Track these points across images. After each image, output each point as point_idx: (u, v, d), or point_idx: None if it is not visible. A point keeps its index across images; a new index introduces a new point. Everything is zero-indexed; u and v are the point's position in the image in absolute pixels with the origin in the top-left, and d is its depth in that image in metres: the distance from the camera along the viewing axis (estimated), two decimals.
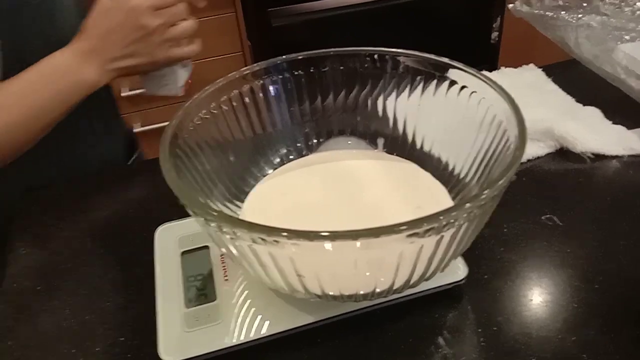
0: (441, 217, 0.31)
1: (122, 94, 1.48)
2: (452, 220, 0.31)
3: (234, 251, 0.34)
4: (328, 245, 0.30)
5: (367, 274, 0.34)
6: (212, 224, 0.32)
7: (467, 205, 0.31)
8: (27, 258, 0.51)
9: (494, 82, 0.43)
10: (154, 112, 1.55)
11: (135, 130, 1.54)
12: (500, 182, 0.33)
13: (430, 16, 1.71)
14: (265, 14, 1.52)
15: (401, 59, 0.48)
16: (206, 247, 0.46)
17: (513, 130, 0.39)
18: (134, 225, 0.54)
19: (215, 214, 0.31)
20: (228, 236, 0.32)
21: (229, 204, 0.45)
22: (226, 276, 0.44)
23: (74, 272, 0.49)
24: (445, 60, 0.46)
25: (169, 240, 0.47)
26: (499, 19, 1.86)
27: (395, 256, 0.32)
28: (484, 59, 1.88)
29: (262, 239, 0.30)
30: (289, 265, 0.32)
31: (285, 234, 0.29)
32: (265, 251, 0.32)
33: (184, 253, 0.46)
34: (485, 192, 0.32)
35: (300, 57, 0.48)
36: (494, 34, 1.90)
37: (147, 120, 1.55)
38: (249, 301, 0.42)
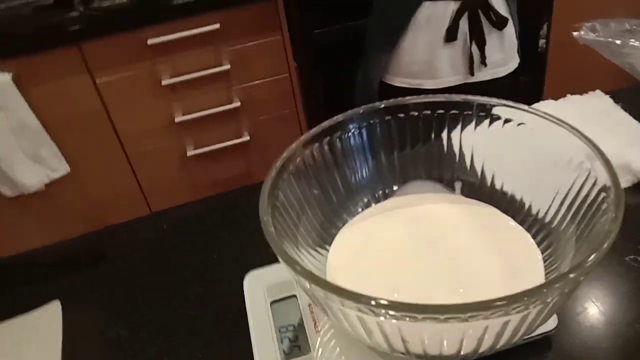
0: (545, 290, 0.31)
1: (177, 120, 1.53)
2: (559, 290, 0.31)
3: (340, 317, 0.35)
4: (438, 317, 0.31)
5: (471, 337, 0.35)
6: (319, 292, 0.33)
7: (572, 275, 0.32)
8: (112, 304, 0.54)
9: (572, 127, 0.43)
10: (205, 134, 1.60)
11: (189, 153, 1.59)
12: (605, 246, 0.33)
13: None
14: (312, 35, 1.54)
15: (474, 103, 0.49)
16: (294, 296, 0.48)
17: (601, 173, 0.39)
18: (221, 270, 0.56)
19: (330, 286, 0.32)
20: (335, 305, 0.33)
21: (314, 252, 0.47)
22: (316, 327, 0.45)
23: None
24: (520, 105, 0.47)
25: (258, 289, 0.49)
26: (545, 26, 1.83)
27: (501, 323, 0.33)
28: (532, 67, 1.85)
29: (371, 310, 0.31)
30: (396, 332, 0.33)
31: (393, 307, 0.30)
32: (373, 321, 0.33)
33: (273, 303, 0.48)
34: (591, 258, 0.32)
35: (381, 107, 0.49)
36: (541, 42, 1.87)
37: (199, 143, 1.60)
38: (341, 353, 0.43)
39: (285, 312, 0.47)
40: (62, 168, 1.46)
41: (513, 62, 1.05)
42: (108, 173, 1.56)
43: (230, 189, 0.70)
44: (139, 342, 0.50)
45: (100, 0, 1.47)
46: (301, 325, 0.45)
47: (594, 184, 0.40)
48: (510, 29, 1.01)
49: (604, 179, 0.38)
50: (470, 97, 0.49)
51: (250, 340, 0.45)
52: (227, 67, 1.51)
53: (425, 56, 1.00)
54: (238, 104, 1.56)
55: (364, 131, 0.50)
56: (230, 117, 1.59)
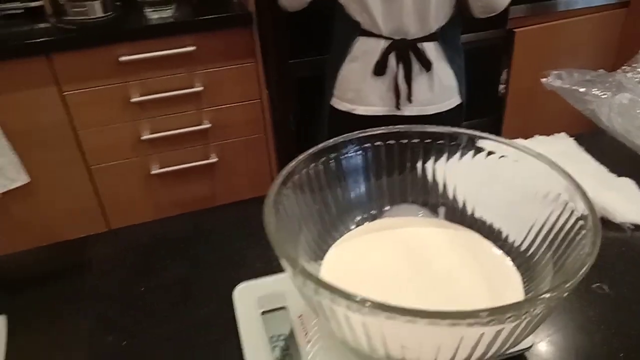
0: (526, 306, 0.34)
1: (142, 137, 1.52)
2: (533, 310, 0.34)
3: (329, 314, 0.37)
4: (418, 321, 0.33)
5: (447, 347, 0.37)
6: (312, 287, 0.35)
7: (547, 296, 0.34)
8: (105, 317, 0.53)
9: (552, 162, 0.47)
10: (172, 154, 1.59)
11: (153, 172, 1.57)
12: (580, 275, 0.36)
13: None
14: (286, 65, 1.58)
15: (462, 135, 0.53)
16: (284, 307, 0.49)
17: (580, 208, 0.43)
18: (208, 283, 0.56)
19: (317, 280, 0.34)
20: (325, 301, 0.35)
21: (307, 265, 0.48)
22: (307, 336, 0.46)
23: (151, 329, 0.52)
24: (503, 139, 0.51)
25: (248, 300, 0.50)
26: (505, 72, 1.94)
27: (477, 335, 0.35)
28: (491, 110, 1.96)
29: (359, 309, 0.33)
30: (378, 333, 0.35)
31: (378, 306, 0.32)
32: (359, 319, 0.35)
33: (263, 313, 0.49)
34: (567, 286, 0.35)
35: (380, 132, 0.52)
36: (501, 87, 1.98)
37: (165, 162, 1.59)
38: None
39: (276, 323, 0.48)
40: (20, 179, 1.41)
41: (445, 104, 1.12)
42: (68, 186, 1.51)
43: (191, 210, 0.70)
44: (130, 351, 0.49)
45: (74, 15, 1.46)
46: (292, 335, 0.47)
47: (570, 215, 0.43)
48: (441, 73, 1.08)
49: (582, 210, 0.42)
50: (457, 130, 0.52)
51: (241, 351, 0.46)
52: (199, 88, 1.52)
53: (357, 85, 1.11)
54: (208, 125, 1.57)
55: (359, 154, 0.53)
56: (199, 138, 1.59)
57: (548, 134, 0.79)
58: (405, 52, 1.06)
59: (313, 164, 0.49)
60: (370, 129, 0.52)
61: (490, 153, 0.52)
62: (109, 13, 1.51)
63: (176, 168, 1.58)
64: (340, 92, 1.14)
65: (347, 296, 0.34)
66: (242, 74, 1.57)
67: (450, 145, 0.54)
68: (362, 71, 1.09)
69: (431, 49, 1.07)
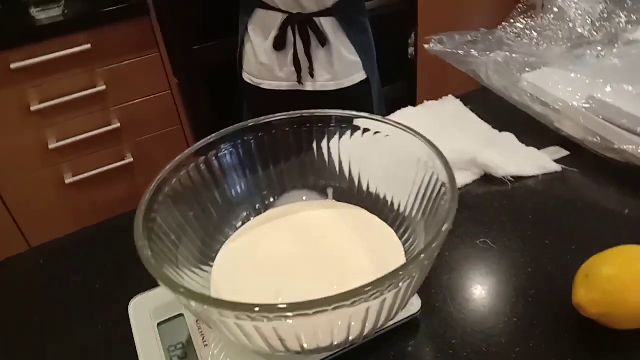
0: (400, 273, 0.36)
1: (50, 147, 1.45)
2: (408, 275, 0.36)
3: (221, 326, 0.37)
4: (307, 313, 0.34)
5: (340, 328, 0.38)
6: (198, 306, 0.35)
7: (421, 257, 0.36)
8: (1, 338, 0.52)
9: (417, 132, 0.49)
10: (85, 160, 1.53)
11: (67, 181, 1.51)
12: (443, 230, 0.38)
13: None
14: (191, 52, 1.54)
15: (333, 117, 0.54)
16: (181, 315, 0.49)
17: (441, 171, 0.45)
18: (106, 298, 0.55)
19: (201, 297, 0.34)
20: (214, 316, 0.35)
21: (197, 270, 0.48)
22: (205, 341, 0.47)
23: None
24: (375, 117, 0.52)
25: (144, 313, 0.49)
26: (413, 35, 1.98)
27: (364, 310, 0.37)
28: (404, 74, 2.00)
29: (247, 317, 0.34)
30: (272, 334, 0.36)
31: (266, 309, 0.33)
32: (250, 325, 0.35)
33: (160, 324, 0.48)
34: (434, 243, 0.37)
35: (250, 125, 0.52)
36: (411, 50, 2.02)
37: (78, 169, 1.52)
38: None
39: (173, 332, 0.48)
40: None
41: (347, 79, 1.13)
42: None
43: (115, 214, 0.69)
44: None
45: None
46: (189, 342, 0.47)
47: (437, 180, 0.46)
48: (341, 48, 1.09)
49: (443, 176, 0.44)
50: (331, 112, 0.53)
51: None
52: (102, 87, 1.46)
53: (260, 59, 1.11)
54: (118, 124, 1.51)
55: (239, 148, 0.53)
56: (110, 139, 1.54)
57: (462, 92, 0.82)
58: (302, 26, 1.05)
59: (186, 169, 0.48)
60: (237, 125, 0.51)
61: (366, 130, 0.53)
62: None
63: (91, 174, 1.53)
64: (247, 66, 1.15)
65: (234, 306, 0.34)
66: (146, 66, 1.52)
67: (328, 127, 0.55)
68: (262, 45, 1.09)
69: (328, 24, 1.07)
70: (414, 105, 0.80)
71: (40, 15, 1.40)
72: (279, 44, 1.07)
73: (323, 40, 1.06)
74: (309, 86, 1.11)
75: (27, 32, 1.36)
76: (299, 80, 1.10)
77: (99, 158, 1.54)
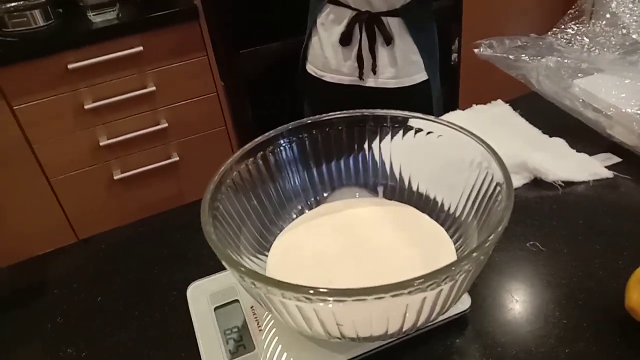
0: (454, 268, 0.37)
1: (101, 144, 1.51)
2: (464, 269, 0.37)
3: (281, 309, 0.39)
4: (365, 299, 0.35)
5: (395, 317, 0.40)
6: (262, 287, 0.37)
7: (477, 252, 0.37)
8: (65, 326, 0.55)
9: (472, 133, 0.49)
10: (133, 157, 1.58)
11: (116, 177, 1.56)
12: (500, 229, 0.39)
13: None
14: (238, 56, 1.58)
15: (388, 117, 0.55)
16: (236, 300, 0.51)
17: (496, 171, 0.46)
18: (163, 284, 0.58)
19: (265, 279, 0.36)
20: (276, 297, 0.37)
21: (254, 258, 0.50)
22: (259, 326, 0.49)
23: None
24: (428, 117, 0.53)
25: (201, 298, 0.52)
26: (456, 41, 1.97)
27: (419, 301, 0.38)
28: (447, 79, 1.99)
29: (308, 298, 0.35)
30: (331, 318, 0.38)
31: (326, 293, 0.35)
32: (310, 308, 0.37)
33: (216, 308, 0.51)
34: (490, 239, 0.38)
35: (306, 122, 0.54)
36: (454, 56, 2.01)
37: (126, 166, 1.58)
38: (283, 347, 0.47)
39: (229, 316, 0.50)
40: None
41: (408, 79, 1.14)
42: (32, 203, 1.50)
43: (160, 212, 0.72)
44: None
45: (14, 26, 1.43)
46: (245, 326, 0.49)
47: (491, 180, 0.46)
48: (404, 48, 1.10)
49: (498, 175, 0.45)
50: (384, 112, 0.54)
51: (198, 347, 0.48)
52: (152, 88, 1.51)
53: (325, 52, 1.13)
54: (165, 124, 1.56)
55: (294, 145, 0.55)
56: (158, 139, 1.59)
57: (505, 99, 0.82)
58: (369, 24, 1.08)
59: (245, 162, 0.50)
60: (298, 121, 0.53)
61: (418, 130, 0.54)
62: (51, 21, 1.48)
63: (138, 171, 1.58)
64: (312, 58, 1.18)
65: (295, 288, 0.36)
66: (194, 69, 1.57)
67: (382, 127, 0.56)
68: (329, 39, 1.12)
69: (394, 24, 1.09)
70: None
71: (97, 18, 1.47)
72: (345, 40, 1.10)
73: (388, 39, 1.08)
74: (370, 82, 1.13)
75: (83, 34, 1.43)
76: (361, 76, 1.12)
77: (146, 156, 1.59)
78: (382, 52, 1.10)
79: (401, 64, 1.12)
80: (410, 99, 1.15)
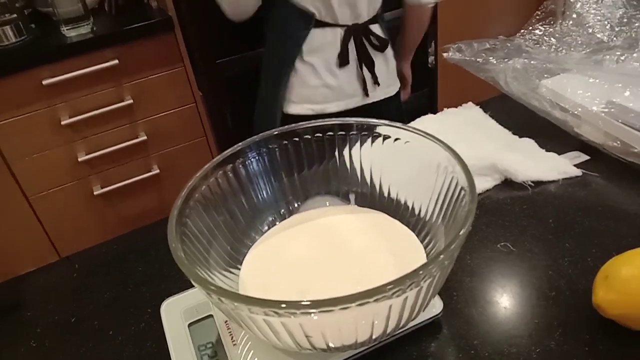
0: (420, 272, 0.37)
1: (80, 159, 1.50)
2: (429, 274, 0.38)
3: (250, 323, 0.39)
4: (332, 309, 0.35)
5: (364, 325, 0.40)
6: (229, 303, 0.37)
7: (441, 257, 0.38)
8: (39, 349, 0.54)
9: (436, 138, 0.50)
10: (113, 171, 1.57)
11: (96, 192, 1.55)
12: (462, 232, 0.39)
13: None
14: (215, 65, 1.58)
15: (354, 124, 0.56)
16: (210, 315, 0.51)
17: (460, 175, 0.46)
18: (139, 301, 0.58)
19: (232, 295, 0.36)
20: (244, 313, 0.37)
21: (226, 273, 0.50)
22: (233, 340, 0.49)
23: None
24: (395, 124, 0.54)
25: (175, 314, 0.52)
26: (432, 44, 1.99)
27: (386, 308, 0.38)
28: (425, 82, 2.01)
29: (275, 312, 0.36)
30: (299, 330, 0.38)
31: (293, 306, 0.35)
32: (278, 321, 0.37)
33: (190, 324, 0.50)
34: (454, 244, 0.38)
35: (275, 133, 0.54)
36: (430, 58, 2.03)
37: (106, 181, 1.57)
38: None
39: (203, 332, 0.50)
40: None
41: (397, 83, 1.15)
42: (10, 221, 1.48)
43: (142, 225, 0.72)
44: None
45: None
46: (219, 341, 0.49)
47: (456, 184, 0.47)
48: (389, 53, 1.11)
49: (462, 180, 0.46)
50: (351, 120, 0.55)
51: None
52: (129, 101, 1.50)
53: (325, 81, 1.06)
54: (145, 137, 1.55)
55: (264, 156, 0.55)
56: (137, 152, 1.58)
57: (483, 100, 0.83)
58: (359, 37, 1.04)
59: (214, 176, 0.51)
60: (266, 132, 0.54)
61: (386, 137, 0.55)
62: (24, 37, 1.47)
63: (119, 185, 1.57)
64: (302, 95, 1.07)
65: (262, 303, 0.36)
66: (172, 80, 1.56)
67: (350, 135, 0.56)
68: (325, 65, 1.05)
69: (378, 31, 1.08)
70: (435, 113, 0.81)
71: (71, 32, 1.46)
72: (344, 60, 1.04)
73: (382, 46, 1.06)
74: (374, 97, 1.10)
75: (58, 49, 1.42)
76: (366, 93, 1.08)
77: (126, 170, 1.58)
78: (377, 62, 1.08)
79: (392, 69, 1.12)
80: (399, 103, 1.15)
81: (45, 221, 1.54)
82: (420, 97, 2.02)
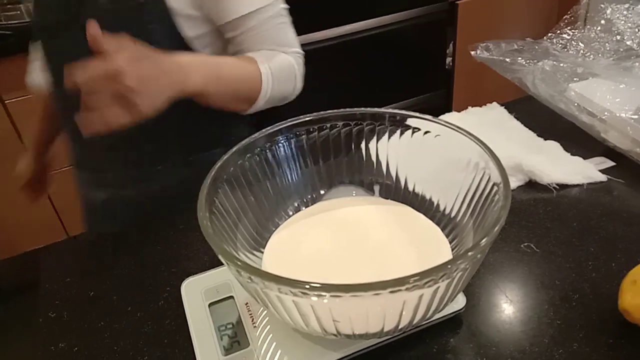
0: (452, 265, 0.37)
1: None
2: (460, 267, 0.37)
3: (278, 304, 0.39)
4: (362, 295, 0.35)
5: (392, 314, 0.40)
6: (258, 282, 0.37)
7: (471, 253, 0.37)
8: (57, 321, 0.54)
9: (470, 133, 0.50)
10: None
11: None
12: (497, 228, 0.39)
13: (391, 46, 1.80)
14: None
15: (386, 115, 0.55)
16: (231, 296, 0.51)
17: (493, 171, 0.46)
18: (158, 280, 0.57)
19: (263, 273, 0.36)
20: (273, 292, 0.37)
21: (250, 254, 0.50)
22: (254, 322, 0.48)
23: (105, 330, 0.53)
24: (425, 116, 0.53)
25: (195, 294, 0.51)
26: (451, 45, 1.98)
27: (416, 297, 0.38)
28: (441, 83, 2.00)
29: (304, 293, 0.35)
30: (328, 314, 0.37)
31: (323, 288, 0.35)
32: (307, 303, 0.37)
33: (211, 304, 0.50)
34: (484, 240, 0.38)
35: (305, 119, 0.54)
36: (448, 59, 2.02)
37: None
38: (277, 343, 0.47)
39: (223, 312, 0.50)
40: None
41: None
42: (21, 198, 1.48)
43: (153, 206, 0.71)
44: (84, 355, 0.50)
45: (7, 19, 1.42)
46: (239, 322, 0.48)
47: (488, 180, 0.47)
48: None
49: (495, 175, 0.45)
50: (382, 110, 0.55)
51: (192, 343, 0.48)
52: None
53: None
54: None
55: (292, 142, 0.55)
56: None
57: (498, 101, 0.83)
58: None
59: (243, 158, 0.50)
60: (297, 117, 0.53)
61: (415, 130, 0.54)
62: None
63: None
64: None
65: (292, 283, 0.35)
66: None
67: (379, 125, 0.56)
68: None
69: None
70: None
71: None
72: None
73: None
74: None
75: None
76: None
77: None
78: None
79: None
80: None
81: (56, 199, 1.54)
82: (435, 97, 2.01)
